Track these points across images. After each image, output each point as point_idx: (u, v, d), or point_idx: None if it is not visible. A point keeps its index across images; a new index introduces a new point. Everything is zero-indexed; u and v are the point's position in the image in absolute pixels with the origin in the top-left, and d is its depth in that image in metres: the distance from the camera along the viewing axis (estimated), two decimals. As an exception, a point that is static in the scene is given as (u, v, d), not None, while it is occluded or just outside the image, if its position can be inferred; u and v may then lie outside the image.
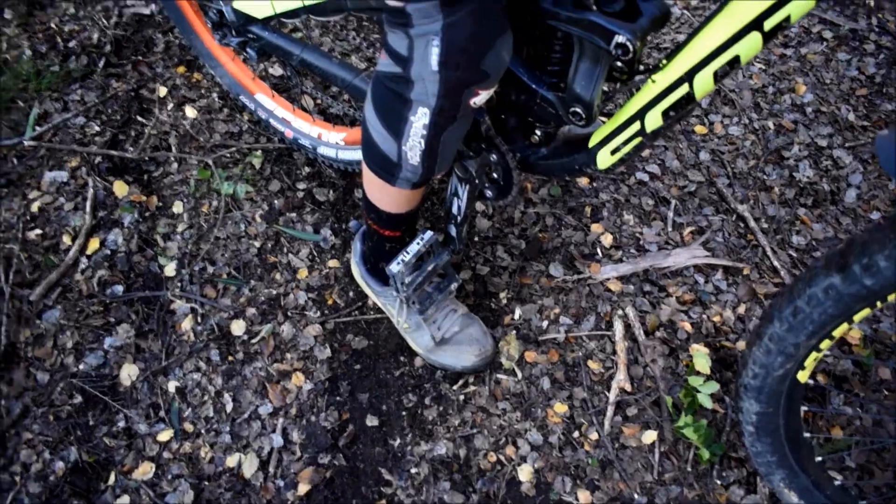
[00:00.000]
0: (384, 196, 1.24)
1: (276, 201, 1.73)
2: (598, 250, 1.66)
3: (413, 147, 1.08)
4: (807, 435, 1.17)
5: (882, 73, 2.05)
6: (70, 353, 1.55)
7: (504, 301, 1.59)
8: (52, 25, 2.14)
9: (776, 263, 1.65)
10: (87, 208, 1.72)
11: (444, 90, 0.98)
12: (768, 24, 0.84)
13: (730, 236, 1.70)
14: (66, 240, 1.70)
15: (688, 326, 1.55)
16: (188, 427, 1.46)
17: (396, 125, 1.06)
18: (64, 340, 1.56)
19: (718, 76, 0.92)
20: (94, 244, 1.68)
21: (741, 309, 1.59)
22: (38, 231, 1.72)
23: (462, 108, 1.02)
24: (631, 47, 0.94)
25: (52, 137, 1.87)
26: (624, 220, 1.71)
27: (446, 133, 1.06)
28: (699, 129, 1.89)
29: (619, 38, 0.94)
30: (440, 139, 1.06)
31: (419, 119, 1.03)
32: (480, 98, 1.02)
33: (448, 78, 0.96)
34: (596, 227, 1.69)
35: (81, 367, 1.53)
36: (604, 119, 1.14)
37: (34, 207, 1.75)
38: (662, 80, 0.98)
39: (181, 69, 1.98)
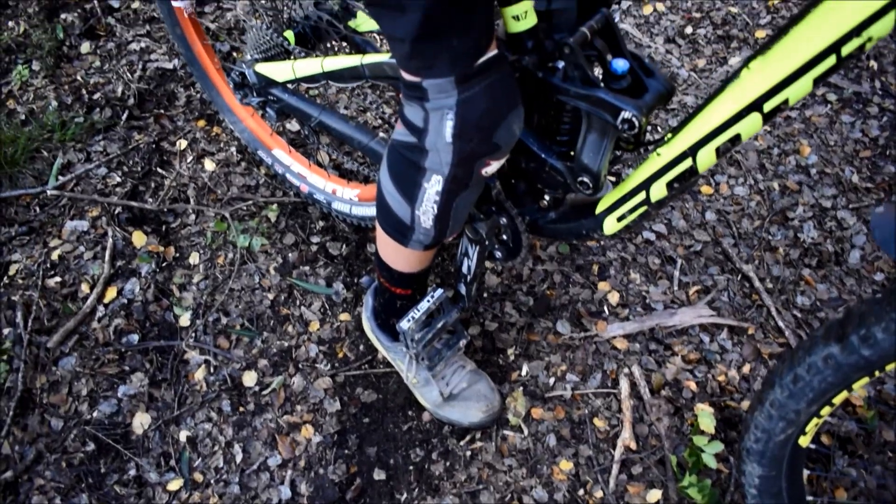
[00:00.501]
0: (397, 256, 1.28)
1: (290, 254, 1.77)
2: (605, 308, 1.69)
3: (426, 212, 1.12)
4: (810, 498, 1.18)
5: (885, 136, 2.09)
6: (84, 400, 1.58)
7: (512, 357, 1.61)
8: (78, 78, 2.22)
9: (781, 324, 1.67)
10: (106, 257, 1.77)
11: (457, 160, 1.02)
12: (768, 106, 0.88)
13: (735, 296, 1.73)
14: (85, 288, 1.74)
15: (693, 385, 1.57)
16: (198, 477, 1.48)
17: (410, 191, 1.10)
18: (79, 388, 1.59)
19: (720, 152, 0.96)
20: (111, 293, 1.72)
21: (746, 369, 1.61)
22: (58, 279, 1.76)
23: (474, 176, 1.06)
24: (637, 123, 0.99)
25: (74, 187, 1.93)
26: (631, 278, 1.74)
27: (458, 199, 1.10)
28: (705, 189, 1.92)
29: (626, 114, 0.99)
30: (452, 205, 1.10)
31: (432, 186, 1.07)
32: (492, 168, 1.06)
33: (461, 149, 1.00)
34: (603, 285, 1.72)
35: (95, 414, 1.55)
36: (612, 179, 1.17)
37: (55, 255, 1.79)
38: (667, 153, 1.02)
39: (201, 123, 2.05)
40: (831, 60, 0.81)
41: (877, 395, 1.59)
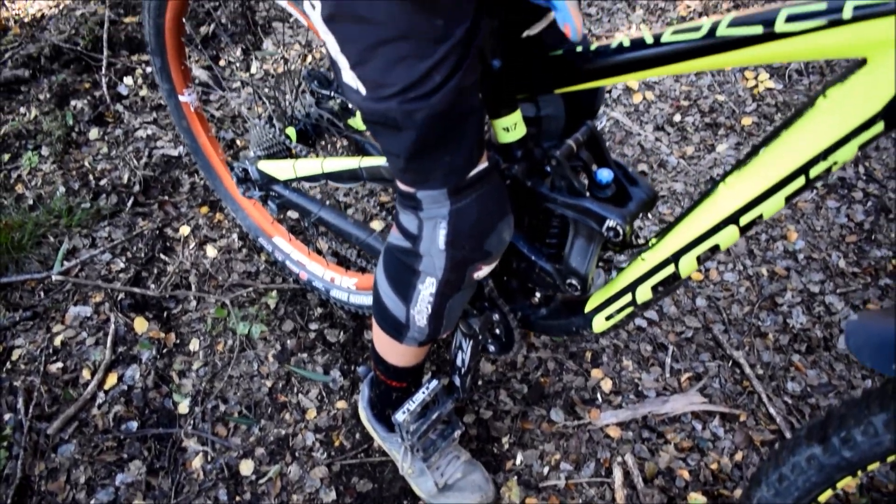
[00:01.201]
0: (392, 351, 1.32)
1: (288, 341, 1.80)
2: (599, 395, 1.71)
3: (421, 311, 1.16)
4: None
5: (871, 220, 2.15)
6: (82, 488, 1.59)
7: (506, 446, 1.63)
8: (86, 164, 2.29)
9: (772, 410, 1.69)
10: (108, 343, 1.80)
11: (450, 266, 1.07)
12: (743, 220, 0.93)
13: (726, 382, 1.76)
14: (86, 374, 1.77)
15: (686, 474, 1.59)
16: (193, 569, 1.48)
17: (405, 291, 1.15)
18: (77, 475, 1.60)
19: (701, 260, 1.01)
20: (112, 379, 1.75)
21: (738, 456, 1.62)
22: (60, 364, 1.79)
23: (466, 280, 1.10)
24: (621, 231, 1.03)
25: (78, 273, 1.97)
26: (623, 365, 1.77)
27: (451, 300, 1.14)
28: (695, 275, 1.97)
29: (611, 223, 1.04)
30: (446, 305, 1.14)
31: (427, 288, 1.12)
32: (483, 272, 1.10)
33: (454, 256, 1.05)
34: (596, 373, 1.75)
35: (92, 503, 1.56)
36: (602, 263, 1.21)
37: (57, 341, 1.83)
38: (651, 258, 1.06)
39: (204, 209, 2.11)
40: (801, 181, 0.86)
41: (869, 483, 1.60)
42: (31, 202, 2.20)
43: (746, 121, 2.36)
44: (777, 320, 1.89)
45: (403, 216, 1.07)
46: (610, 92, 2.44)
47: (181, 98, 1.79)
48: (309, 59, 2.56)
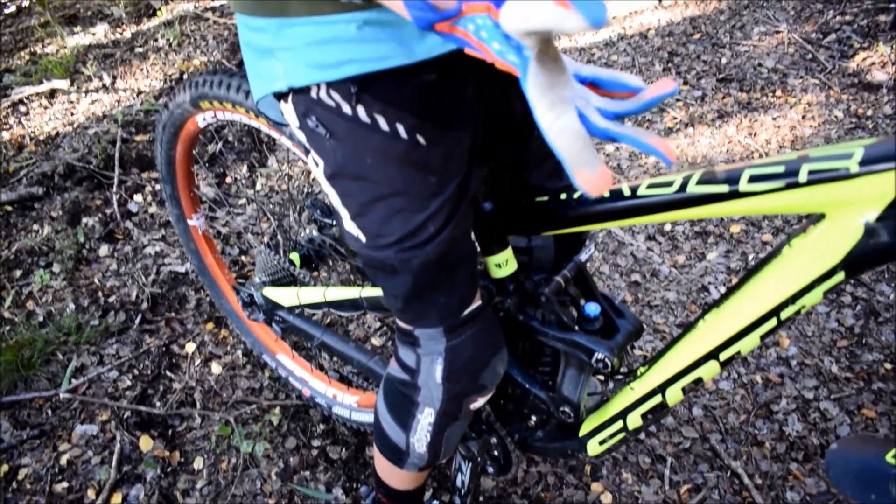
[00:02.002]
0: (394, 476, 1.35)
1: (291, 458, 1.83)
2: (599, 509, 1.73)
3: (420, 439, 1.20)
4: None
5: (861, 324, 2.19)
6: None
7: (508, 564, 1.64)
8: (96, 281, 2.36)
9: (772, 522, 1.70)
10: (113, 462, 1.83)
11: (447, 398, 1.11)
12: (723, 356, 0.98)
13: (725, 493, 1.77)
14: (91, 493, 1.78)
15: (689, 591, 1.59)
16: None
17: (405, 420, 1.19)
18: None
19: (686, 391, 1.06)
20: (116, 499, 1.77)
21: (741, 571, 1.63)
22: (65, 484, 1.81)
23: (463, 410, 1.15)
24: (609, 363, 1.09)
25: (86, 390, 2.01)
26: (622, 478, 1.78)
27: (450, 429, 1.18)
28: (691, 384, 2.00)
29: (599, 355, 1.09)
30: (444, 434, 1.19)
31: (425, 417, 1.16)
32: (479, 403, 1.15)
33: (451, 390, 1.10)
34: (596, 486, 1.76)
35: None
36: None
37: (63, 460, 1.85)
38: (639, 388, 1.11)
39: (210, 325, 2.16)
40: (773, 322, 0.92)
41: None
42: (41, 319, 2.26)
43: (735, 228, 2.44)
44: (773, 428, 1.92)
45: (402, 351, 1.13)
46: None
47: (190, 222, 1.87)
48: (311, 177, 2.67)
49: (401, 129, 0.91)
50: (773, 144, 2.72)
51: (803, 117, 2.85)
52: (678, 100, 2.97)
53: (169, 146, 1.70)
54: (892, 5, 3.41)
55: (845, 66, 3.11)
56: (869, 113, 2.86)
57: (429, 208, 0.96)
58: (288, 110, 0.97)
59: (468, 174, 1.00)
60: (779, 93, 2.98)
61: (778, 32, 3.35)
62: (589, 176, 0.67)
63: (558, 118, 0.68)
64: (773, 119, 2.84)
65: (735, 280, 2.25)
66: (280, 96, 0.97)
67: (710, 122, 2.83)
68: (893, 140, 0.76)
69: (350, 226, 1.02)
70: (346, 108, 0.90)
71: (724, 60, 3.20)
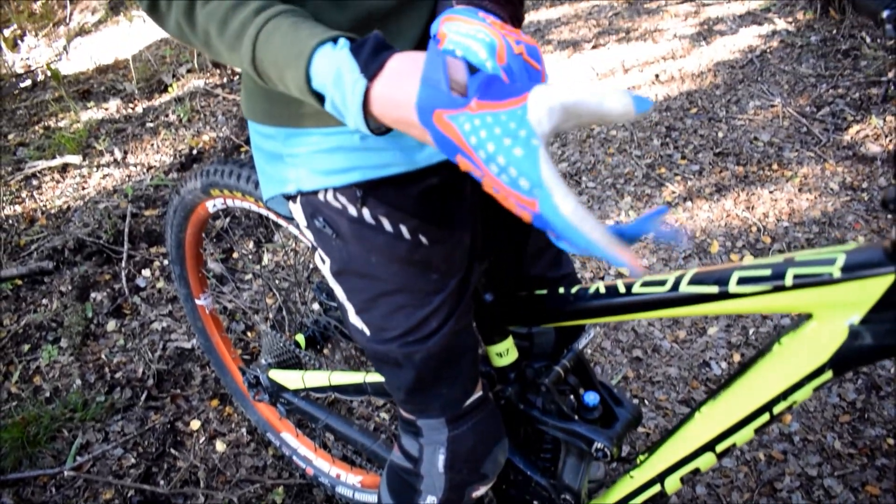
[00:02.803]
0: (397, 562, 1.35)
1: (294, 539, 1.83)
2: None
3: (423, 526, 1.21)
4: None
5: (862, 399, 2.20)
6: None
7: None
8: (103, 356, 2.38)
9: None
10: (116, 544, 1.82)
11: (449, 487, 1.13)
12: (719, 448, 1.00)
13: (731, 575, 1.76)
14: (93, 576, 1.78)
15: None
16: None
17: (408, 507, 1.21)
18: None
19: (684, 480, 1.07)
20: (118, 581, 1.76)
21: None
22: (67, 565, 1.81)
23: (465, 499, 1.16)
24: (608, 452, 1.11)
25: (90, 468, 2.02)
26: (626, 559, 1.77)
27: (452, 516, 1.20)
28: (694, 461, 2.00)
29: (598, 444, 1.11)
30: (447, 521, 1.20)
31: (428, 505, 1.18)
32: (481, 491, 1.17)
33: (453, 479, 1.12)
34: (600, 568, 1.75)
35: None
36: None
37: (66, 542, 1.85)
38: (639, 477, 1.12)
39: (214, 402, 2.18)
40: (766, 417, 0.94)
41: None
42: (47, 395, 2.28)
43: (735, 302, 2.46)
44: (778, 507, 1.91)
45: (405, 439, 1.15)
46: (602, 277, 2.57)
47: (197, 301, 1.91)
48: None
49: (404, 229, 0.95)
50: (771, 218, 2.76)
51: (800, 190, 2.90)
52: (676, 174, 3.03)
53: (179, 229, 1.75)
54: (884, 79, 3.51)
55: (839, 139, 3.17)
56: (864, 185, 2.91)
57: (431, 304, 1.00)
58: (296, 210, 1.01)
59: (469, 270, 1.04)
60: (775, 166, 3.04)
61: (773, 106, 3.43)
62: (629, 254, 0.65)
63: (578, 203, 0.65)
64: (770, 192, 2.89)
65: (736, 356, 2.27)
66: (289, 197, 1.01)
67: (707, 196, 2.89)
68: (872, 247, 0.80)
69: (355, 319, 1.05)
70: (352, 211, 0.95)
71: (720, 134, 3.27)
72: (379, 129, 0.73)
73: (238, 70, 3.19)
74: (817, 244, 2.66)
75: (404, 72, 0.68)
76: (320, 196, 0.96)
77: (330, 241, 0.99)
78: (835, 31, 3.92)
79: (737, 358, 2.24)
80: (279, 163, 0.98)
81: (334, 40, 0.71)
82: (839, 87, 3.50)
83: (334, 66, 0.69)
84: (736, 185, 2.95)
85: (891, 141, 3.11)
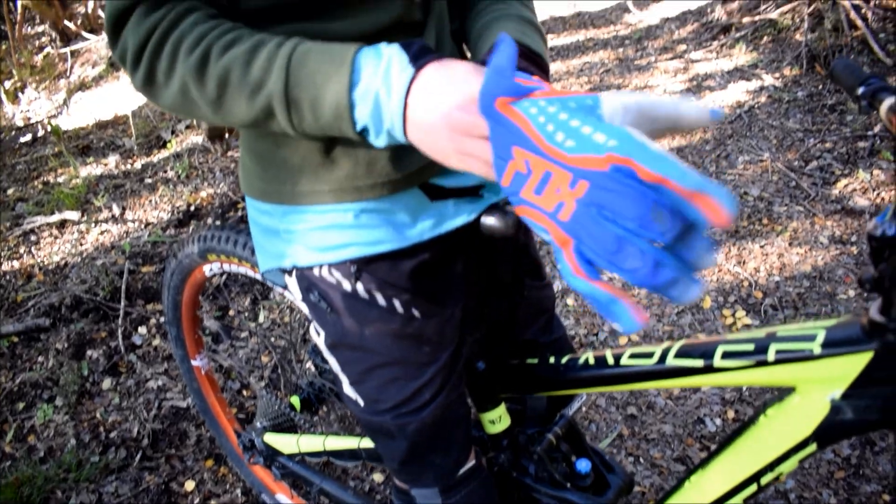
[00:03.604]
0: None
1: None
2: None
3: None
4: None
5: (857, 455, 2.20)
6: None
7: None
8: (98, 415, 2.38)
9: None
10: None
11: (443, 556, 1.14)
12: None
13: None
14: None
15: None
16: None
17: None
18: None
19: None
20: None
21: None
22: None
23: (460, 564, 1.17)
24: (601, 520, 1.12)
25: (83, 531, 2.01)
26: None
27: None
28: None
29: (591, 513, 1.12)
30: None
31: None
32: (476, 561, 1.17)
33: (447, 548, 1.12)
34: None
35: None
36: None
37: None
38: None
39: (209, 462, 2.18)
40: (753, 487, 0.96)
41: None
42: (42, 454, 2.28)
43: (728, 357, 2.48)
44: (775, 567, 1.90)
45: (400, 510, 1.16)
46: (597, 335, 2.59)
47: (193, 363, 1.92)
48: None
49: (397, 304, 0.98)
50: (762, 273, 2.79)
51: (790, 244, 2.94)
52: (668, 229, 3.07)
53: (176, 291, 1.77)
54: (870, 133, 3.58)
55: (828, 193, 3.22)
56: (853, 238, 2.95)
57: (423, 376, 1.02)
58: (292, 284, 1.04)
59: (461, 342, 1.06)
60: (765, 220, 3.09)
61: (762, 161, 3.49)
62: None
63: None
64: (761, 247, 2.93)
65: (730, 412, 2.28)
66: (285, 271, 1.04)
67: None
68: (851, 323, 0.82)
69: (349, 390, 1.07)
70: (346, 286, 0.97)
71: (711, 189, 3.32)
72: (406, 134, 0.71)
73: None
74: (808, 298, 2.69)
75: (453, 69, 0.68)
76: (315, 271, 0.98)
77: (325, 315, 1.02)
78: (821, 87, 4.01)
79: (731, 414, 2.25)
80: (275, 238, 1.01)
81: (373, 47, 0.71)
82: (826, 141, 3.57)
83: (385, 60, 0.69)
84: (727, 239, 2.99)
85: (878, 194, 3.17)
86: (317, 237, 0.96)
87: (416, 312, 0.99)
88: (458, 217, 0.98)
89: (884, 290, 0.77)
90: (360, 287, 0.97)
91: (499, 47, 0.65)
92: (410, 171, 0.92)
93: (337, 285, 0.98)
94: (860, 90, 1.08)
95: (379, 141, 0.72)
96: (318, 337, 1.06)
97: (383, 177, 0.91)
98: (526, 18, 0.94)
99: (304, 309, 1.06)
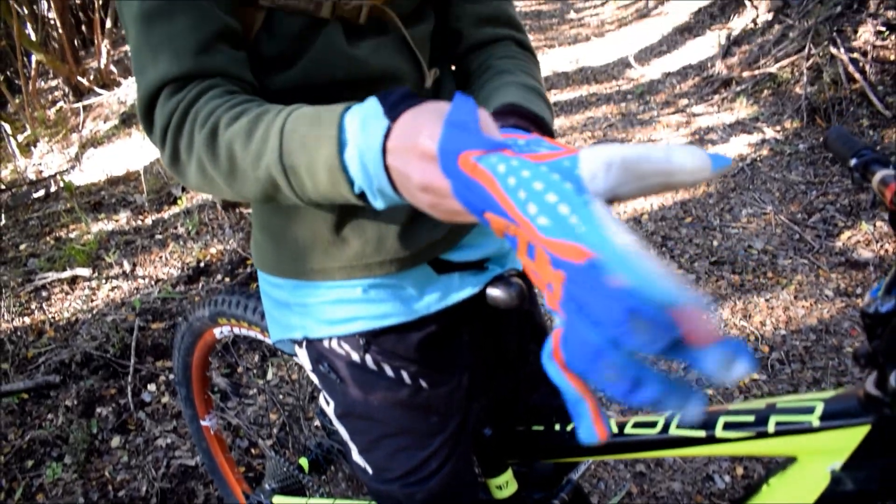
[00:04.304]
0: None
1: None
2: None
3: None
4: None
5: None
6: None
7: None
8: (106, 474, 2.39)
9: None
10: None
11: None
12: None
13: None
14: None
15: None
16: None
17: None
18: None
19: None
20: None
21: None
22: None
23: None
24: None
25: None
26: None
27: None
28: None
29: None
30: None
31: None
32: None
33: None
34: None
35: None
36: None
37: None
38: None
39: (217, 523, 2.18)
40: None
41: None
42: (50, 515, 2.28)
43: (735, 412, 2.48)
44: None
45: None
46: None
47: (202, 423, 1.93)
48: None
49: (405, 375, 1.00)
50: (769, 326, 2.80)
51: (795, 297, 2.95)
52: (673, 283, 3.09)
53: (187, 353, 1.80)
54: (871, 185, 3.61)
55: (832, 245, 3.25)
56: (858, 291, 2.96)
57: (431, 446, 1.04)
58: (302, 355, 1.06)
59: (468, 411, 1.08)
60: (770, 274, 3.11)
61: (765, 214, 3.53)
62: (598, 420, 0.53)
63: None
64: (767, 300, 2.94)
65: (739, 469, 2.27)
66: (295, 341, 1.07)
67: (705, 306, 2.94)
68: (848, 395, 0.84)
69: (358, 459, 1.09)
70: (355, 357, 1.00)
71: (715, 243, 3.35)
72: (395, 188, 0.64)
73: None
74: (815, 352, 2.69)
75: (423, 118, 0.60)
76: (325, 343, 1.01)
77: (334, 385, 1.04)
78: (822, 139, 4.06)
79: (739, 471, 2.24)
80: (287, 310, 1.04)
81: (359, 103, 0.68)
82: (829, 193, 3.61)
83: (362, 114, 0.65)
84: (732, 293, 3.01)
85: (881, 246, 3.19)
86: (327, 311, 0.99)
87: (423, 383, 1.01)
88: (463, 289, 1.01)
89: (878, 365, 0.79)
90: (368, 359, 1.00)
91: (454, 101, 0.58)
92: (419, 249, 0.95)
93: (346, 357, 1.00)
94: (853, 161, 1.11)
95: (378, 202, 0.67)
96: (328, 406, 1.08)
97: (392, 254, 0.94)
98: (529, 86, 0.92)
99: (315, 379, 1.08)
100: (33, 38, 6.21)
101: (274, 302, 1.07)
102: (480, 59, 1.00)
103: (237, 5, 0.81)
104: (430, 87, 0.97)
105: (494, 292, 1.00)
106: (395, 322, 0.98)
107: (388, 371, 1.00)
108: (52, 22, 6.89)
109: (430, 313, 1.00)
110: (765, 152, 4.08)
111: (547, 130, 0.82)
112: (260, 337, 1.55)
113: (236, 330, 1.61)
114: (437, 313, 1.00)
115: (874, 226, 3.30)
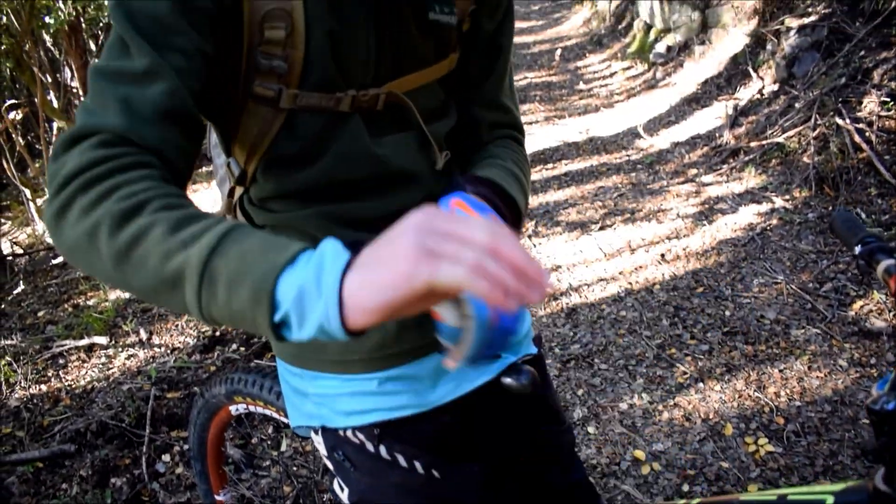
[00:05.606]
0: None
1: None
2: None
3: None
4: None
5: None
6: None
7: None
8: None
9: None
10: None
11: None
12: None
13: None
14: None
15: None
16: None
17: None
18: None
19: None
20: None
21: None
22: None
23: None
24: None
25: None
26: None
27: None
28: None
29: None
30: None
31: None
32: None
33: None
34: None
35: None
36: None
37: None
38: None
39: None
40: None
41: None
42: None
43: (752, 488, 2.46)
44: None
45: None
46: (619, 464, 2.58)
47: (217, 497, 1.94)
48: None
49: (418, 465, 1.02)
50: (783, 397, 2.79)
51: (809, 368, 2.94)
52: (686, 354, 3.10)
53: (202, 429, 1.82)
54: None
55: (844, 315, 3.25)
56: (872, 361, 2.95)
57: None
58: (318, 441, 1.09)
59: (482, 499, 1.09)
60: (783, 344, 3.11)
61: (776, 283, 3.54)
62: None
63: None
64: (780, 371, 2.94)
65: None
66: (312, 428, 1.09)
67: (718, 377, 2.94)
68: (858, 489, 0.86)
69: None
70: (370, 447, 1.02)
71: (727, 313, 3.36)
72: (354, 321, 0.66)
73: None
74: (831, 424, 2.67)
75: (391, 235, 0.63)
76: (340, 432, 1.03)
77: (348, 473, 1.06)
78: (831, 208, 4.09)
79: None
80: (304, 399, 1.07)
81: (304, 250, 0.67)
82: (839, 262, 3.62)
83: (317, 254, 0.64)
84: (746, 364, 3.01)
85: (894, 315, 3.19)
86: (343, 402, 1.01)
87: (435, 473, 1.03)
88: (477, 379, 1.04)
89: (886, 461, 0.81)
90: (382, 449, 1.02)
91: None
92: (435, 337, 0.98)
93: (360, 446, 1.03)
94: (857, 249, 1.14)
95: (297, 333, 0.65)
96: (342, 492, 1.10)
97: (410, 343, 0.97)
98: (511, 171, 1.04)
99: (329, 465, 1.10)
100: (55, 105, 6.36)
101: (292, 390, 1.09)
102: (484, 147, 1.12)
103: (246, 105, 0.87)
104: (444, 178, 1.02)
105: (508, 380, 1.02)
106: (409, 413, 1.00)
107: (402, 461, 1.02)
108: (74, 90, 7.06)
109: (444, 403, 1.02)
110: (774, 221, 4.11)
111: (513, 208, 0.99)
112: (276, 416, 1.57)
113: (252, 408, 1.64)
114: (451, 403, 1.03)
115: (886, 294, 3.30)
